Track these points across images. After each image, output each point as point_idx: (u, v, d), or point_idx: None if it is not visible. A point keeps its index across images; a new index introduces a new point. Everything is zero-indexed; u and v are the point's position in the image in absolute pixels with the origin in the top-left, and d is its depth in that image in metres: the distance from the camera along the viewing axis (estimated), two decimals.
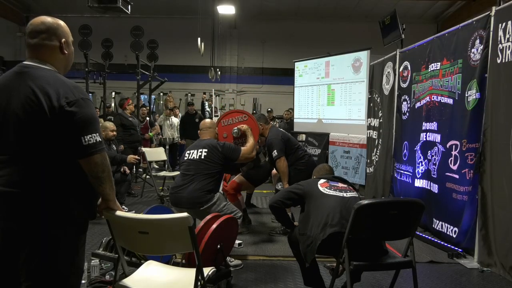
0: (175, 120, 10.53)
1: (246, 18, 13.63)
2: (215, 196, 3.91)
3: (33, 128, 1.84)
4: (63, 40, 2.03)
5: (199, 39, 10.90)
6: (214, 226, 3.00)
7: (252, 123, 4.61)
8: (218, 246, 3.03)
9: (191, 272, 2.33)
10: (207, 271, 2.40)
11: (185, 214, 2.14)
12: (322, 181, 3.21)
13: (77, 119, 1.83)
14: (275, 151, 4.89)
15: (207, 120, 4.55)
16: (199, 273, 2.23)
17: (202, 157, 3.99)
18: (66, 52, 2.05)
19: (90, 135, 1.85)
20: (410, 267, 2.81)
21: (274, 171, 5.30)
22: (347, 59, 7.96)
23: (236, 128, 4.50)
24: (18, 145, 1.85)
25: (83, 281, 3.32)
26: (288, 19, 13.89)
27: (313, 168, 3.94)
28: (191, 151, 4.10)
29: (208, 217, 3.16)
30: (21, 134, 1.85)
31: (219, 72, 12.63)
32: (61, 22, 2.06)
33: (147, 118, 9.88)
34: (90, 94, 10.88)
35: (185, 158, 4.11)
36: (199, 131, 4.38)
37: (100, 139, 1.89)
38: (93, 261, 3.49)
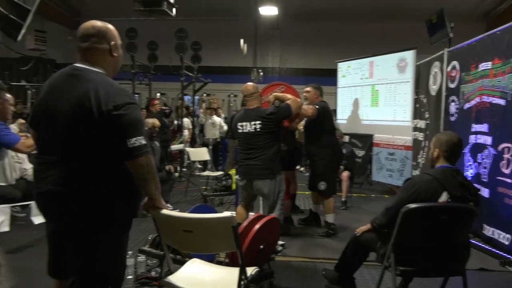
0: (217, 119, 10.62)
1: (288, 18, 13.58)
2: (278, 175, 4.08)
3: (82, 130, 1.89)
4: (113, 43, 2.09)
5: (241, 40, 10.98)
6: (257, 226, 3.00)
7: (290, 91, 4.61)
8: (261, 247, 3.04)
9: (234, 271, 2.34)
10: (250, 270, 2.41)
11: (228, 213, 2.15)
12: (444, 197, 2.71)
13: (123, 122, 1.88)
14: (319, 106, 4.82)
15: (249, 84, 4.33)
16: (242, 272, 2.24)
17: (257, 129, 4.04)
18: (115, 54, 2.11)
19: (135, 138, 1.89)
20: (460, 274, 2.71)
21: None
22: (391, 59, 7.79)
23: (276, 101, 4.39)
24: (66, 146, 1.92)
25: (130, 277, 3.42)
26: (331, 19, 13.73)
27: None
28: (244, 124, 4.13)
29: (252, 217, 3.17)
30: (70, 136, 1.91)
31: (261, 73, 12.67)
32: (110, 26, 2.12)
33: (175, 122, 10.00)
34: (136, 95, 11.18)
35: (239, 131, 4.16)
36: (244, 97, 4.31)
37: (144, 142, 1.92)
38: (139, 257, 3.57)
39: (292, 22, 13.93)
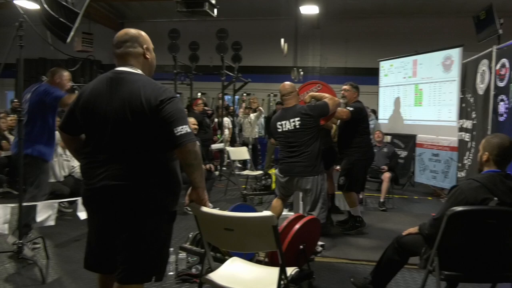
0: (254, 118, 10.62)
1: (329, 17, 13.44)
2: (321, 173, 4.09)
3: (135, 126, 2.08)
4: (145, 46, 2.28)
5: (282, 40, 10.94)
6: (297, 226, 2.99)
7: (327, 90, 4.57)
8: (301, 247, 3.02)
9: (274, 271, 2.35)
10: (290, 270, 2.41)
11: (269, 213, 2.16)
12: (493, 205, 2.57)
13: (170, 114, 2.06)
14: (352, 108, 4.80)
15: (286, 83, 4.35)
16: (282, 272, 2.24)
17: (297, 126, 4.06)
18: (148, 56, 2.29)
19: (181, 127, 2.06)
20: (508, 281, 2.60)
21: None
22: (436, 57, 7.56)
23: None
24: (119, 143, 2.09)
25: (171, 273, 3.49)
26: (373, 16, 13.47)
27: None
28: (283, 122, 4.15)
29: (291, 217, 3.16)
30: (123, 133, 2.09)
31: (301, 72, 12.60)
32: (142, 32, 2.30)
33: (216, 120, 10.08)
34: (178, 95, 11.30)
35: (279, 130, 4.18)
36: (282, 96, 4.32)
37: (190, 130, 2.10)
38: (180, 254, 3.64)
39: (333, 20, 13.77)
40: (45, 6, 3.52)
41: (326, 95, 4.32)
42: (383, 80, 9.06)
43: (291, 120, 4.08)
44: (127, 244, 2.10)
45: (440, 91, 7.52)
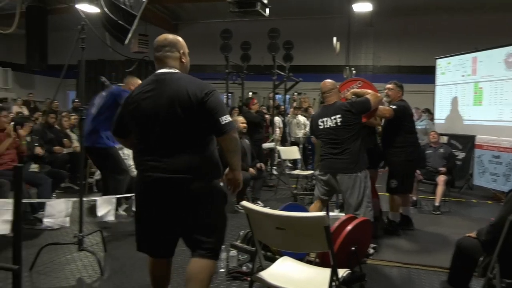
0: (302, 119, 10.55)
1: (382, 14, 13.11)
2: (364, 170, 4.02)
3: (186, 119, 2.30)
4: (182, 51, 2.51)
5: (334, 38, 10.82)
6: (349, 227, 2.95)
7: (368, 87, 4.46)
8: (353, 248, 2.98)
9: (325, 272, 2.33)
10: (342, 272, 2.38)
11: (321, 213, 2.14)
12: None
13: (214, 106, 2.32)
14: (396, 106, 4.69)
15: (327, 80, 4.29)
16: (333, 273, 2.22)
17: (338, 123, 4.00)
18: (184, 61, 2.52)
19: (224, 116, 2.32)
20: None
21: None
22: (498, 54, 7.21)
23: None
24: (172, 138, 2.32)
25: (222, 270, 3.54)
26: (428, 13, 13.00)
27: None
28: (324, 120, 4.11)
29: (343, 218, 3.12)
30: (175, 128, 2.31)
31: (353, 71, 12.40)
32: (180, 38, 2.53)
33: (267, 116, 10.06)
34: (230, 94, 11.46)
35: (320, 128, 4.14)
36: (323, 94, 4.27)
37: (231, 120, 2.35)
38: (231, 252, 3.68)
39: (387, 18, 13.43)
40: (105, 9, 3.67)
41: (368, 91, 4.23)
42: (439, 78, 8.75)
43: (332, 117, 4.03)
44: (199, 228, 2.40)
45: (502, 90, 7.16)
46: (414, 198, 6.33)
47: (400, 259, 4.14)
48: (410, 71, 13.20)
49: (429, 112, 9.74)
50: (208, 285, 2.43)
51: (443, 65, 8.65)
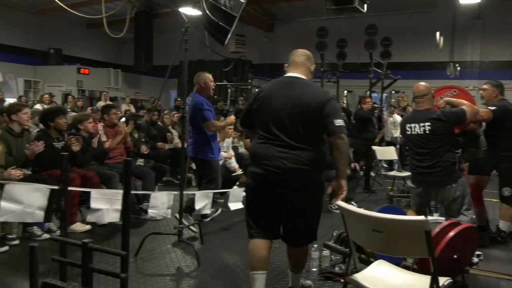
0: (399, 118, 10.11)
1: (492, 5, 12.11)
2: (459, 180, 3.75)
3: (309, 120, 2.65)
4: (313, 66, 2.99)
5: (437, 33, 10.23)
6: (451, 233, 2.78)
7: (464, 96, 4.08)
8: (455, 256, 2.80)
9: (423, 279, 2.23)
10: (442, 281, 2.25)
11: (422, 217, 2.04)
12: None
13: (332, 109, 2.66)
14: (495, 107, 4.28)
15: (421, 84, 4.01)
16: (434, 281, 2.11)
17: (427, 131, 3.75)
18: (311, 72, 2.97)
19: (339, 120, 2.64)
20: None
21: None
22: None
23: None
24: (296, 134, 2.66)
25: (314, 269, 3.53)
26: None
27: None
28: (412, 125, 3.86)
29: (446, 223, 2.95)
30: (299, 126, 2.65)
31: (458, 68, 11.63)
32: (311, 55, 2.98)
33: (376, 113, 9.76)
34: None
35: (407, 133, 3.92)
36: (414, 98, 4.04)
37: (344, 124, 2.66)
38: (324, 251, 3.65)
39: (497, 9, 12.40)
40: (207, 11, 3.83)
41: (464, 102, 3.91)
42: None
43: (421, 124, 3.76)
44: (303, 216, 2.74)
45: None
46: None
47: (509, 271, 3.80)
48: None
49: None
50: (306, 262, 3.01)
51: None
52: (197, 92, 4.65)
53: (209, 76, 4.72)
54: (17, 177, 3.87)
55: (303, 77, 2.84)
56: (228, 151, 6.32)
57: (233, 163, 6.36)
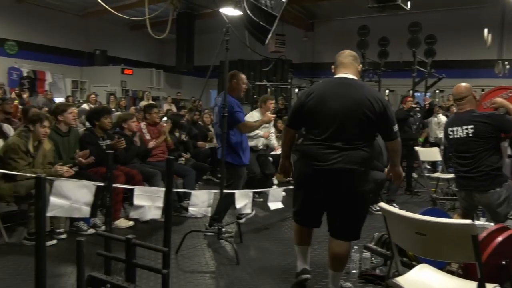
0: (443, 118, 9.80)
1: None
2: (505, 184, 3.58)
3: (365, 121, 2.73)
4: (360, 66, 3.05)
5: (485, 30, 9.85)
6: (499, 239, 2.67)
7: None
8: (503, 262, 2.69)
9: (469, 285, 2.17)
10: (490, 287, 2.16)
11: (469, 221, 1.97)
12: None
13: (391, 116, 2.83)
14: None
15: (461, 85, 3.82)
16: None
17: (470, 134, 3.59)
18: (359, 71, 3.02)
19: (395, 125, 2.84)
20: None
21: None
22: None
23: (501, 108, 3.79)
24: (350, 135, 2.74)
25: (354, 271, 3.48)
26: None
27: None
28: (454, 129, 3.71)
29: (493, 227, 2.83)
30: (354, 127, 2.74)
31: (507, 66, 11.15)
32: (357, 55, 3.05)
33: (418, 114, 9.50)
34: None
35: (450, 137, 3.77)
36: (454, 101, 3.91)
37: (398, 129, 2.87)
38: (364, 253, 3.60)
39: None
40: (248, 11, 3.85)
41: None
42: None
43: (464, 127, 3.60)
44: (351, 211, 2.84)
45: None
46: None
47: None
48: None
49: None
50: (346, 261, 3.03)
51: None
52: (227, 92, 4.23)
53: (243, 78, 4.44)
54: (64, 174, 4.02)
55: (355, 77, 2.91)
56: (269, 128, 6.23)
57: (273, 140, 6.35)
